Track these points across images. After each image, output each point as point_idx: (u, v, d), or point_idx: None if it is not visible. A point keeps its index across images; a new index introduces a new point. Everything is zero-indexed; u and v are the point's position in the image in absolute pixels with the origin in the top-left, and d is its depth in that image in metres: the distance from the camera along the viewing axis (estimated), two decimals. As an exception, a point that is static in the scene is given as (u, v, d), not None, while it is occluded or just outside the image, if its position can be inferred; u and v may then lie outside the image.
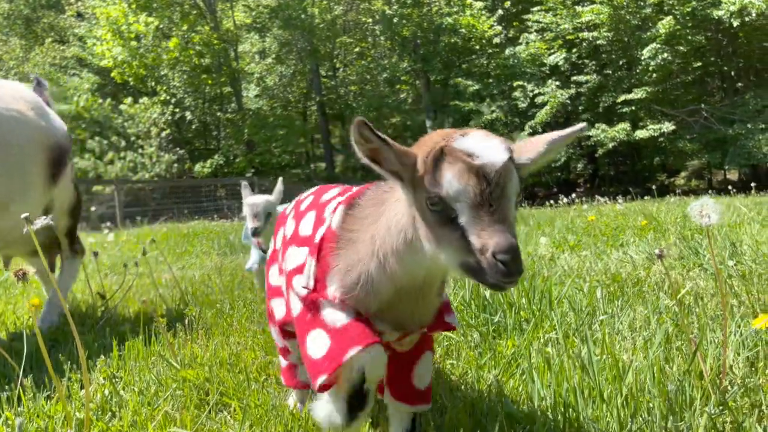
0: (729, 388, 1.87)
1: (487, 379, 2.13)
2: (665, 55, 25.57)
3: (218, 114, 31.37)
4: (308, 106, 34.70)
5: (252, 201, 3.39)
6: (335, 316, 1.46)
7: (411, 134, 34.28)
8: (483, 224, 1.17)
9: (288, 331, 1.85)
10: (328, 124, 33.61)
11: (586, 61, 28.99)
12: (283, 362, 2.00)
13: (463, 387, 2.11)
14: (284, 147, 31.17)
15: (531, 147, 1.34)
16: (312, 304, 1.48)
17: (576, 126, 1.37)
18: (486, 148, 1.23)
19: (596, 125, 27.20)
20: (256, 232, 3.35)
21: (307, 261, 1.53)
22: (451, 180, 1.21)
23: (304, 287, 1.51)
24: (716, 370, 1.98)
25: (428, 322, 1.51)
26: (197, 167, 28.07)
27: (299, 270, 1.55)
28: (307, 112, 34.96)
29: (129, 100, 27.75)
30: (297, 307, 1.53)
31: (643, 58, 26.24)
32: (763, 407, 1.78)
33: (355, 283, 1.44)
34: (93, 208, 17.75)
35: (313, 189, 1.96)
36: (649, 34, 26.06)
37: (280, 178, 3.59)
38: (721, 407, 1.75)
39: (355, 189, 1.69)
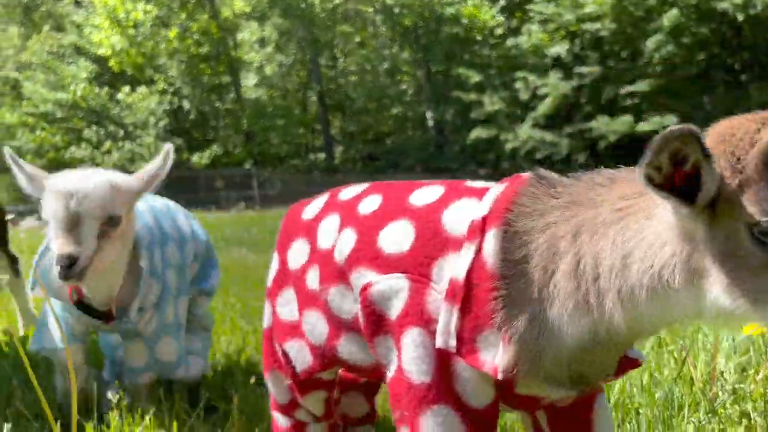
0: (719, 395, 1.82)
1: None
2: (670, 47, 25.33)
3: (216, 104, 31.11)
4: (308, 96, 34.44)
5: (63, 188, 1.62)
6: (476, 390, 1.08)
7: (411, 125, 34.06)
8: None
9: (310, 382, 1.40)
10: (328, 115, 33.39)
11: (589, 52, 28.74)
12: (284, 421, 1.49)
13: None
14: (283, 137, 30.98)
15: None
16: (446, 371, 1.08)
17: None
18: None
19: (598, 118, 27.00)
20: (69, 271, 1.51)
21: (443, 308, 1.09)
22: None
23: (440, 347, 1.08)
24: (706, 377, 1.95)
25: (614, 370, 1.13)
26: (195, 158, 27.87)
27: (412, 314, 1.11)
28: (306, 102, 34.71)
29: (127, 89, 27.50)
30: (415, 368, 1.10)
31: (647, 50, 26.00)
32: (753, 416, 1.73)
33: (533, 340, 1.02)
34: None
35: (365, 185, 1.43)
36: (653, 25, 25.82)
37: (169, 145, 1.91)
38: (710, 415, 1.71)
39: (468, 185, 1.27)
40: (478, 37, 30.88)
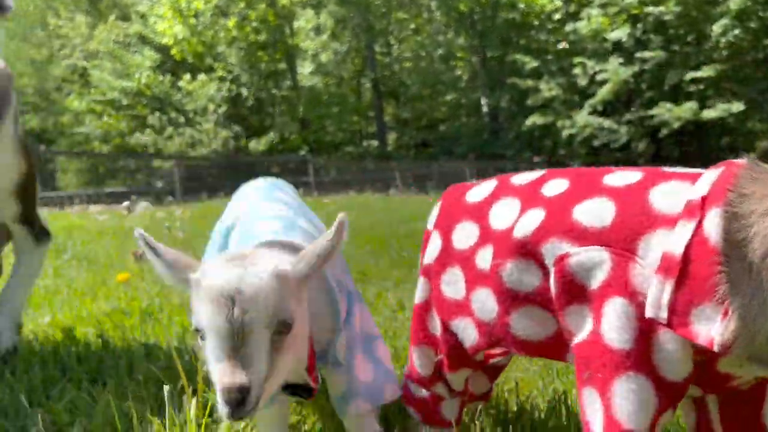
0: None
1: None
2: (737, 31, 24.23)
3: (273, 91, 31.63)
4: (362, 84, 34.57)
5: (221, 290, 1.21)
6: (675, 363, 1.11)
7: (466, 112, 33.77)
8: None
9: (464, 360, 1.47)
10: (382, 102, 33.46)
11: (652, 36, 27.77)
12: (422, 392, 1.57)
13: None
14: (338, 124, 31.26)
15: None
16: (647, 342, 1.12)
17: None
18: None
19: (660, 104, 26.15)
20: (242, 409, 1.15)
21: (654, 281, 1.11)
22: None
23: (650, 317, 1.11)
24: None
25: None
26: (252, 144, 28.49)
27: (615, 285, 1.15)
28: (360, 90, 34.86)
29: (188, 77, 28.28)
30: (616, 335, 1.14)
31: (713, 34, 24.94)
32: None
33: (751, 320, 1.04)
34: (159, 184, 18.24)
35: (538, 172, 1.45)
36: (719, 9, 24.73)
37: (342, 216, 1.33)
38: None
39: (671, 170, 1.30)
40: (535, 22, 30.26)
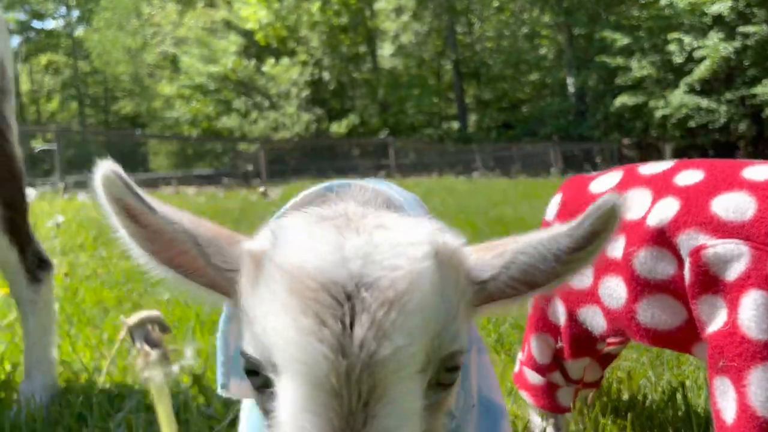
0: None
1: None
2: None
3: (354, 74, 31.75)
4: (442, 65, 34.14)
5: (322, 278, 0.55)
6: None
7: (550, 92, 32.75)
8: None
9: (586, 349, 1.49)
10: (463, 83, 32.95)
11: (755, 9, 25.85)
12: (536, 379, 1.59)
13: None
14: (418, 107, 31.06)
15: None
16: None
17: None
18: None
19: (765, 82, 24.39)
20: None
21: None
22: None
23: None
24: None
25: None
26: (333, 127, 28.76)
27: (754, 278, 1.16)
28: (441, 71, 34.45)
29: (271, 61, 28.80)
30: (755, 326, 1.15)
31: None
32: None
33: None
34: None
35: (668, 162, 1.45)
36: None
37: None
38: None
39: None
40: (627, -3, 28.89)
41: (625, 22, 28.74)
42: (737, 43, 25.42)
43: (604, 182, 1.48)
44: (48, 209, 7.41)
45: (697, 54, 25.54)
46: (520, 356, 1.68)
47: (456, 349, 0.56)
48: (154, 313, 0.53)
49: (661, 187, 1.35)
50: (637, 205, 1.36)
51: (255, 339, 0.55)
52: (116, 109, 34.47)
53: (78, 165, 16.71)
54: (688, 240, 1.24)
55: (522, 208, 7.64)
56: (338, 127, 28.64)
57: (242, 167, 21.17)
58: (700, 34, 26.05)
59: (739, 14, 26.07)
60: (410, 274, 0.53)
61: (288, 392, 0.51)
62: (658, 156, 34.15)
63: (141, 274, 3.39)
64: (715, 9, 25.79)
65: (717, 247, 1.20)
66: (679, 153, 33.19)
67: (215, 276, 0.64)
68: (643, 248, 1.30)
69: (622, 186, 1.42)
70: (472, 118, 34.55)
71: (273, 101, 28.63)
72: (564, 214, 1.51)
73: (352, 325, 0.51)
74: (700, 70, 25.13)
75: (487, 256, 0.65)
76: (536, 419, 1.66)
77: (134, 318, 0.55)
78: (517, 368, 1.69)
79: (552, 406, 1.59)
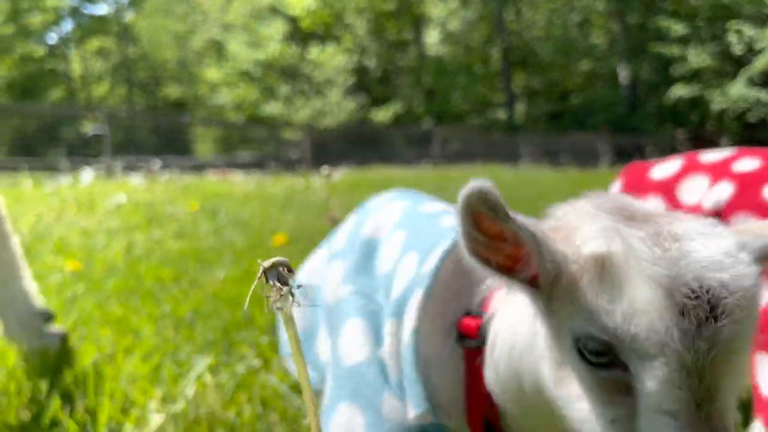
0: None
1: None
2: None
3: (399, 62, 31.53)
4: (490, 52, 33.61)
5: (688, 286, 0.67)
6: None
7: (601, 82, 31.95)
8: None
9: None
10: (511, 71, 32.39)
11: (823, -3, 24.68)
12: None
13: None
14: (464, 95, 30.66)
15: None
16: None
17: None
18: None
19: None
20: None
21: None
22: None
23: None
24: None
25: None
26: (378, 115, 28.64)
27: None
28: (488, 59, 33.92)
29: (316, 48, 28.81)
30: None
31: None
32: None
33: None
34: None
35: (729, 150, 1.49)
36: None
37: None
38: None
39: None
40: (685, -16, 27.89)
41: (681, 11, 27.76)
42: (802, 33, 24.37)
43: (665, 169, 1.51)
44: (104, 190, 7.50)
45: (757, 45, 24.55)
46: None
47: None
48: (283, 258, 0.54)
49: (719, 172, 1.39)
50: (695, 190, 1.41)
51: (608, 328, 0.66)
52: (163, 95, 35.04)
53: (126, 148, 17.02)
54: (737, 222, 1.28)
55: (570, 200, 7.38)
56: (382, 115, 28.50)
57: (286, 154, 21.24)
58: (761, 24, 25.02)
59: (805, 2, 24.96)
60: (748, 277, 0.66)
61: (658, 373, 0.64)
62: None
63: (196, 253, 3.36)
64: (778, -3, 24.74)
65: None
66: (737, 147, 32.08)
67: (540, 272, 0.74)
68: None
69: (684, 173, 1.46)
70: (520, 108, 33.98)
71: (317, 88, 28.64)
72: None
73: (715, 319, 0.64)
74: (761, 62, 24.16)
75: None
76: None
77: (268, 261, 0.56)
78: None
79: None
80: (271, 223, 5.38)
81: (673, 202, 1.44)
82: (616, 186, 1.60)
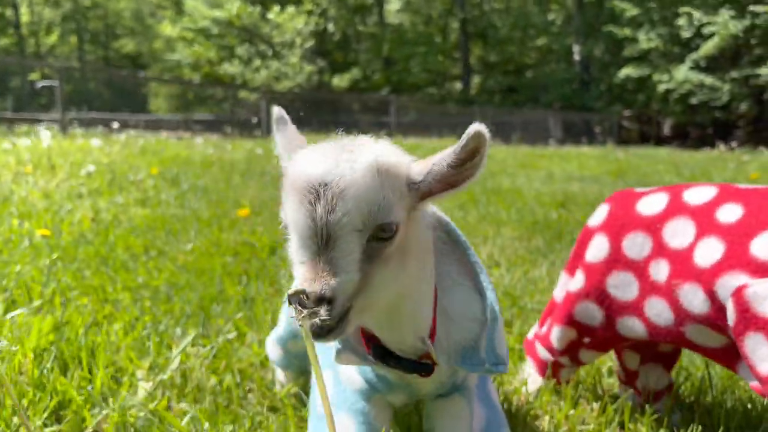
0: None
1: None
2: None
3: (359, 27, 31.25)
4: (449, 23, 33.63)
5: (305, 180, 0.96)
6: None
7: (556, 59, 32.44)
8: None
9: (611, 345, 1.66)
10: (469, 43, 32.54)
11: (770, -13, 25.54)
12: (547, 355, 1.74)
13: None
14: (423, 65, 30.71)
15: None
16: None
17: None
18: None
19: (769, 63, 24.33)
20: (323, 325, 0.93)
21: None
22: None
23: None
24: None
25: None
26: (335, 80, 28.46)
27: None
28: (447, 30, 33.94)
29: (276, 8, 28.28)
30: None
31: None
32: None
33: None
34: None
35: (712, 189, 1.53)
36: None
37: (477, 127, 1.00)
38: None
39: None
40: (641, -34, 28.37)
41: (637, -7, 28.32)
42: (747, 22, 25.19)
43: (650, 204, 1.55)
44: (63, 150, 7.44)
45: (705, 30, 25.29)
46: (537, 329, 1.82)
47: (387, 221, 0.93)
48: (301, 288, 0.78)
49: (704, 221, 1.43)
50: (681, 234, 1.45)
51: (282, 210, 0.96)
52: (117, 47, 33.85)
53: (77, 102, 16.56)
54: (729, 281, 1.32)
55: (519, 180, 7.73)
56: (340, 81, 28.36)
57: (242, 115, 21.02)
58: (710, 10, 25.75)
59: (752, -8, 25.78)
60: (352, 179, 0.91)
61: (291, 240, 0.94)
62: (657, 130, 34.11)
63: (161, 222, 3.51)
64: (728, -15, 25.48)
65: (756, 286, 1.28)
66: (678, 129, 33.17)
67: None
68: (686, 283, 1.40)
69: (668, 213, 1.49)
70: (476, 80, 34.25)
71: (276, 50, 28.22)
72: (609, 226, 1.59)
73: (317, 205, 0.90)
74: (708, 47, 24.92)
75: (418, 168, 1.00)
76: (530, 369, 1.83)
77: (291, 290, 0.78)
78: (530, 336, 1.84)
79: (553, 376, 1.77)
80: (233, 191, 5.53)
81: (659, 243, 1.49)
82: (603, 209, 1.64)
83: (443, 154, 0.98)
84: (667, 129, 34.25)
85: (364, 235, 0.91)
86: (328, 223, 0.89)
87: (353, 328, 0.97)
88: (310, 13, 28.56)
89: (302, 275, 0.90)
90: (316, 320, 0.87)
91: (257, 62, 27.16)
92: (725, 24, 24.73)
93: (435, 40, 31.79)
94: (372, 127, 21.30)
